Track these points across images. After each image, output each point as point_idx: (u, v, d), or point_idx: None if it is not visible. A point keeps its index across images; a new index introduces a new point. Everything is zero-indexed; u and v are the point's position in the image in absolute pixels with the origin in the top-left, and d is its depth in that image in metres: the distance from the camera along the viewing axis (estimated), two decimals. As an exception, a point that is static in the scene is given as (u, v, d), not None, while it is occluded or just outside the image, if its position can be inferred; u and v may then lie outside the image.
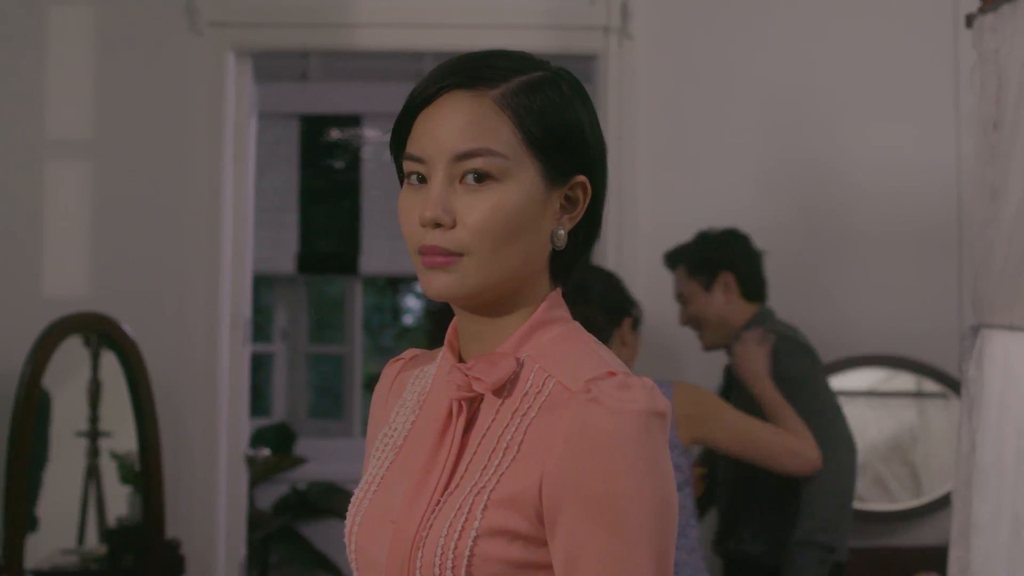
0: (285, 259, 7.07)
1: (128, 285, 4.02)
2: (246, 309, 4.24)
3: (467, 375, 1.28)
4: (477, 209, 1.25)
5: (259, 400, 7.31)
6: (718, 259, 3.36)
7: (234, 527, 4.18)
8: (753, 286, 3.39)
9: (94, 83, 4.09)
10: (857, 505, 4.10)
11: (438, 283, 1.26)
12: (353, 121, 7.09)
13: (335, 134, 7.10)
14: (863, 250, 4.19)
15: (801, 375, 3.27)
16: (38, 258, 4.06)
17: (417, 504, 1.25)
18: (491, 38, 3.80)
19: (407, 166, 1.29)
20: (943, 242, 4.18)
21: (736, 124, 4.19)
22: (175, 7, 4.08)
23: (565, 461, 1.20)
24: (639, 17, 4.16)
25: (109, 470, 3.85)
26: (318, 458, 6.77)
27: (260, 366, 7.40)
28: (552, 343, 1.30)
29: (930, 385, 4.19)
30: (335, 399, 7.71)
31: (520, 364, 1.29)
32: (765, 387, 3.13)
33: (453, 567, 1.20)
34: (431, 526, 1.23)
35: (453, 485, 1.26)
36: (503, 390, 1.28)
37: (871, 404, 4.22)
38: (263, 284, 7.34)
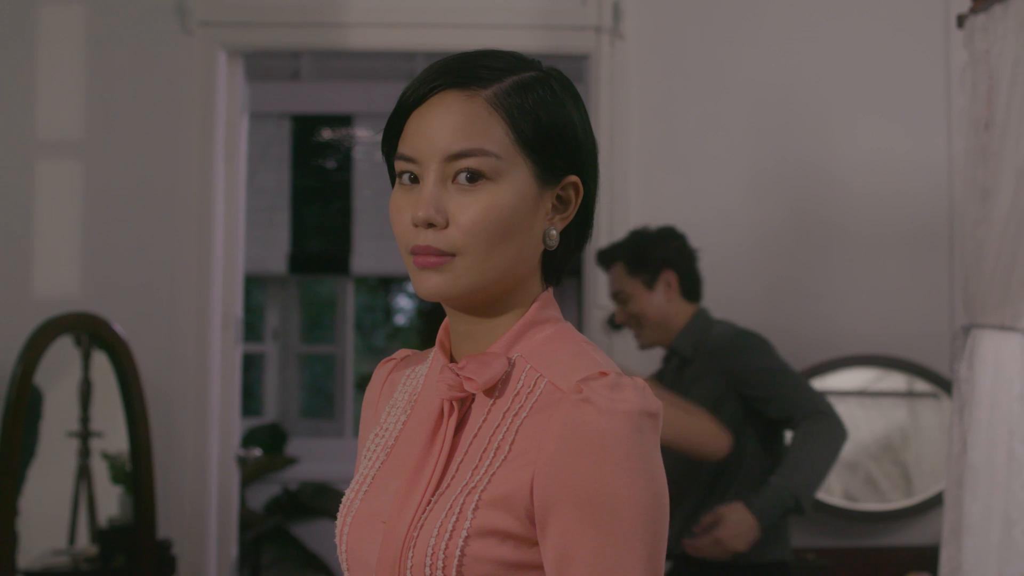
0: (276, 259, 7.06)
1: (119, 285, 4.02)
2: (237, 309, 4.23)
3: (458, 375, 1.28)
4: (470, 209, 1.25)
5: (250, 400, 7.30)
6: (660, 257, 3.35)
7: (225, 527, 4.17)
8: (692, 285, 3.39)
9: (85, 83, 4.09)
10: (848, 505, 4.11)
11: (430, 283, 1.26)
12: (345, 121, 7.09)
13: (327, 134, 7.09)
14: (854, 250, 4.19)
15: (782, 364, 3.28)
16: (29, 258, 4.05)
17: (408, 504, 1.25)
18: (483, 38, 3.80)
19: (399, 166, 1.29)
20: (934, 242, 4.19)
21: (727, 124, 4.20)
22: (166, 6, 4.08)
23: (556, 461, 1.20)
24: (631, 17, 4.16)
25: (100, 470, 3.84)
26: (309, 458, 6.77)
27: (251, 366, 7.39)
28: (544, 343, 1.30)
29: (921, 385, 4.20)
30: (327, 399, 7.71)
31: (511, 364, 1.29)
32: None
33: (444, 567, 1.20)
34: (422, 526, 1.23)
35: (444, 485, 1.25)
36: (494, 390, 1.28)
37: (862, 404, 4.23)
38: (254, 284, 7.34)
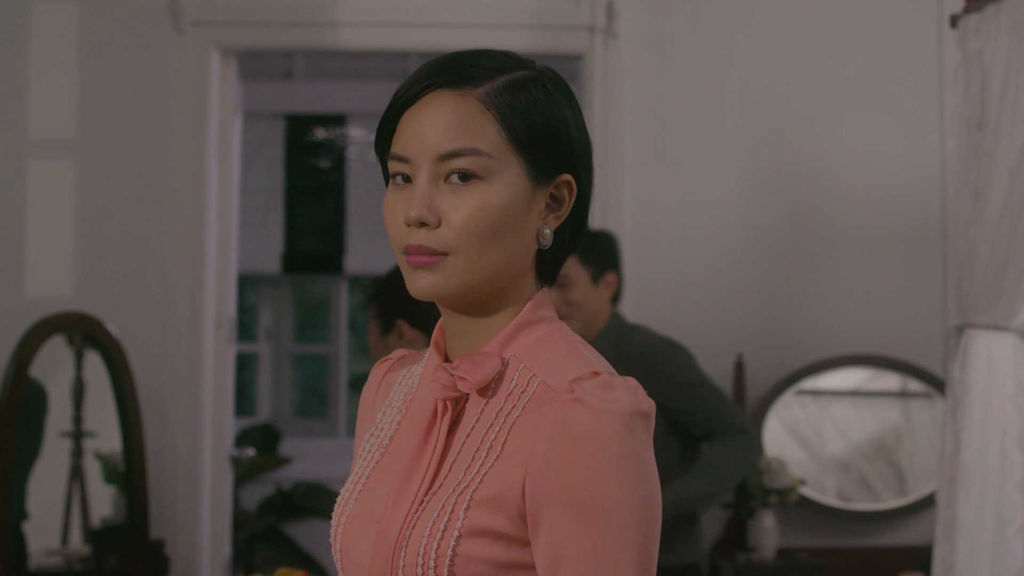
0: (270, 258, 7.06)
1: (112, 284, 4.01)
2: (231, 309, 4.23)
3: (452, 374, 1.28)
4: (462, 208, 1.25)
5: (244, 400, 7.30)
6: (610, 257, 3.37)
7: (219, 527, 4.17)
8: (620, 292, 3.41)
9: (78, 82, 4.08)
10: (842, 504, 4.11)
11: (423, 282, 1.26)
12: (338, 120, 7.08)
13: (320, 133, 7.09)
14: (848, 250, 4.20)
15: (705, 378, 3.30)
16: (22, 257, 4.04)
17: (401, 504, 1.25)
18: (476, 38, 3.80)
19: (392, 166, 1.29)
20: (927, 242, 4.19)
21: (720, 124, 4.20)
22: (159, 6, 4.07)
23: (548, 461, 1.19)
24: (624, 17, 4.16)
25: (93, 470, 3.84)
26: (303, 458, 6.77)
27: (245, 366, 7.39)
28: (537, 343, 1.30)
29: (915, 385, 4.21)
30: (320, 399, 7.70)
31: (505, 364, 1.28)
32: None
33: (435, 567, 1.20)
34: (414, 526, 1.23)
35: (437, 485, 1.25)
36: (488, 390, 1.28)
37: (856, 404, 4.23)
38: (248, 284, 7.33)
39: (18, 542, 3.62)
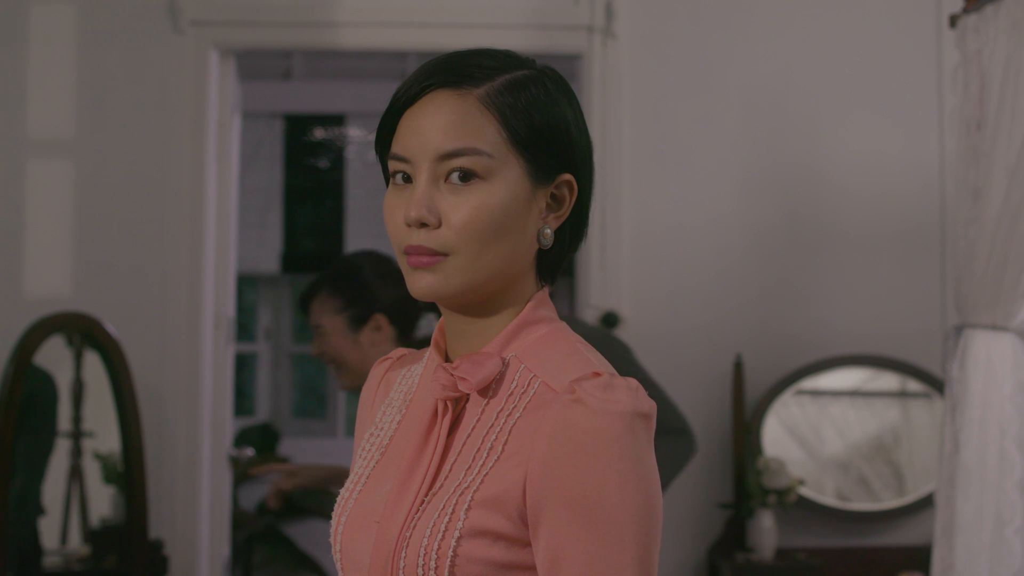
0: (269, 258, 7.06)
1: (111, 284, 4.01)
2: (229, 308, 4.23)
3: (452, 375, 1.27)
4: (462, 208, 1.24)
5: (243, 400, 7.30)
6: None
7: (217, 527, 4.17)
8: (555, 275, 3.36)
9: (76, 82, 4.08)
10: (840, 504, 4.11)
11: (423, 283, 1.26)
12: (337, 120, 7.08)
13: (319, 133, 7.08)
14: (847, 250, 4.20)
15: (645, 373, 3.23)
16: (20, 257, 4.04)
17: (401, 504, 1.25)
18: (475, 38, 3.80)
19: (392, 166, 1.29)
20: (926, 242, 4.20)
21: (720, 124, 4.20)
22: (157, 6, 4.07)
23: (549, 461, 1.19)
24: (623, 17, 4.16)
25: (92, 470, 3.84)
26: (302, 458, 6.76)
27: (244, 366, 7.38)
28: (538, 343, 1.30)
29: (914, 385, 4.21)
30: (319, 399, 7.70)
31: (506, 364, 1.28)
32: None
33: (436, 568, 1.20)
34: (414, 526, 1.23)
35: (437, 485, 1.25)
36: (488, 390, 1.28)
37: (855, 404, 4.23)
38: (246, 283, 7.33)
39: (34, 539, 3.64)
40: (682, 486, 4.07)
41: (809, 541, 4.12)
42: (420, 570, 1.21)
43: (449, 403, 1.29)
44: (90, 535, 3.81)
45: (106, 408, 3.75)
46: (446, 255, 1.25)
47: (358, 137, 7.04)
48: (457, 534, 1.20)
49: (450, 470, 1.26)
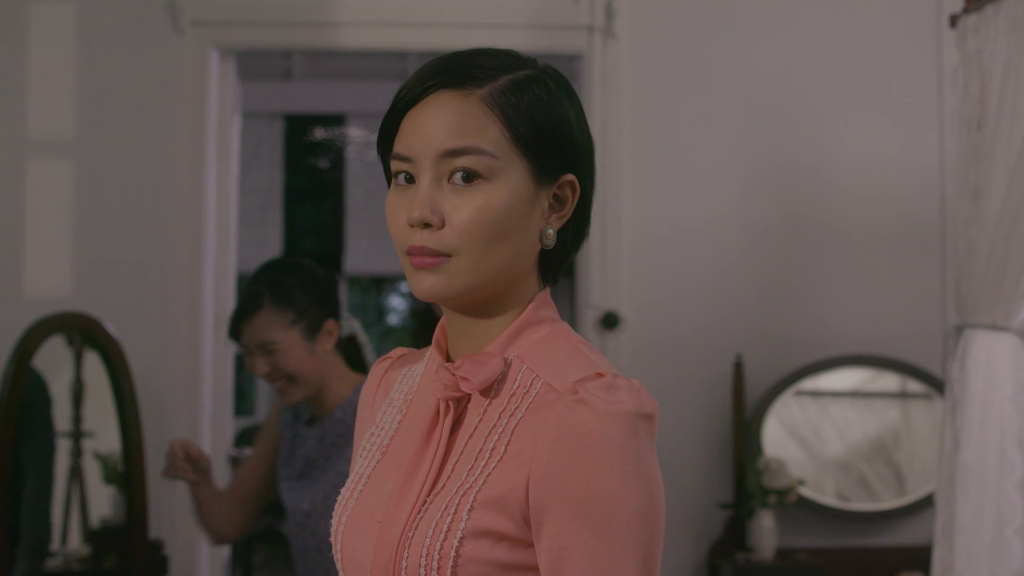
0: (269, 258, 7.05)
1: (111, 284, 4.01)
2: (229, 308, 4.22)
3: (454, 375, 1.27)
4: (465, 209, 1.24)
5: (242, 400, 7.29)
6: None
7: (217, 527, 4.16)
8: None
9: (76, 82, 4.08)
10: (841, 505, 4.11)
11: (426, 283, 1.26)
12: (337, 120, 7.08)
13: (319, 133, 7.08)
14: (847, 250, 4.20)
15: None
16: (20, 257, 4.04)
17: (403, 504, 1.25)
18: (475, 37, 3.80)
19: (395, 166, 1.29)
20: (926, 242, 4.19)
21: (720, 124, 4.20)
22: (157, 5, 4.07)
23: (551, 462, 1.19)
24: (623, 17, 4.16)
25: (92, 470, 3.83)
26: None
27: (243, 366, 7.37)
28: (540, 343, 1.29)
29: (914, 385, 4.21)
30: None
31: (508, 364, 1.28)
32: None
33: (439, 568, 1.20)
34: (417, 527, 1.22)
35: (439, 486, 1.25)
36: (490, 390, 1.27)
37: (855, 404, 4.23)
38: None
39: (46, 541, 3.65)
40: (682, 486, 4.07)
41: (809, 541, 4.12)
42: (422, 570, 1.20)
43: (451, 403, 1.28)
44: (90, 535, 3.80)
45: (106, 408, 3.74)
46: (449, 256, 1.25)
47: (358, 137, 7.04)
48: (460, 534, 1.20)
49: (452, 470, 1.25)
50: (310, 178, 7.13)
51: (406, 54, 5.80)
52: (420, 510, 1.24)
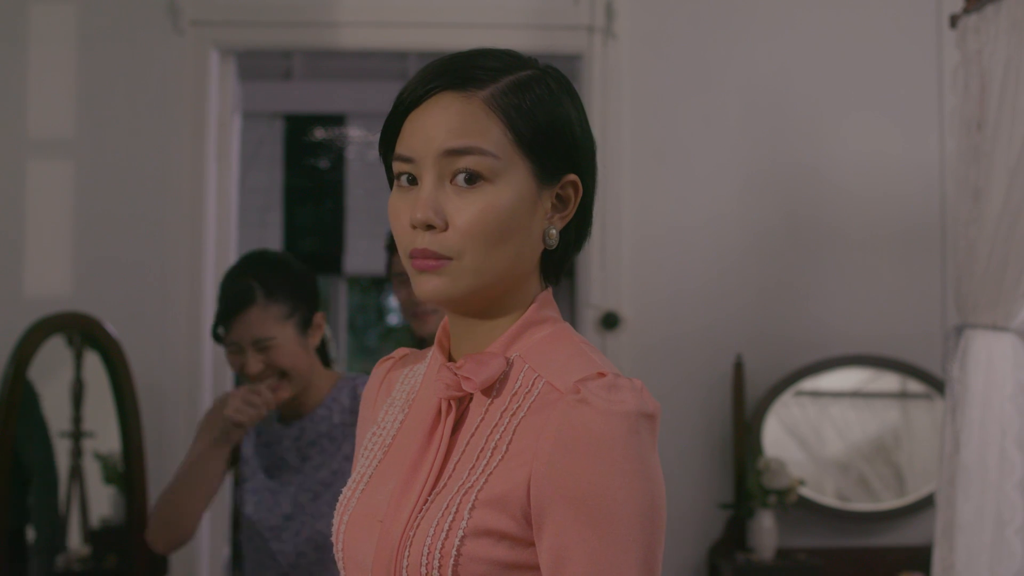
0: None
1: (111, 284, 4.01)
2: (229, 309, 4.22)
3: (456, 374, 1.27)
4: (468, 211, 1.24)
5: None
6: None
7: (218, 527, 4.17)
8: None
9: (76, 82, 4.08)
10: (841, 505, 4.11)
11: (430, 286, 1.26)
12: (337, 120, 7.08)
13: (319, 133, 7.08)
14: (847, 250, 4.20)
15: None
16: (20, 257, 4.04)
17: (404, 503, 1.25)
18: (475, 38, 3.80)
19: (397, 167, 1.29)
20: (926, 242, 4.19)
21: (720, 124, 4.20)
22: (157, 6, 4.07)
23: (553, 461, 1.19)
24: (623, 17, 4.16)
25: (92, 471, 3.83)
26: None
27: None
28: (542, 343, 1.30)
29: (914, 385, 4.21)
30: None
31: (510, 364, 1.28)
32: None
33: (440, 567, 1.20)
34: (418, 526, 1.23)
35: (441, 485, 1.25)
36: (492, 389, 1.28)
37: (855, 405, 4.23)
38: (246, 284, 7.30)
39: (53, 537, 3.66)
40: (682, 486, 4.07)
41: (809, 541, 4.12)
42: (423, 569, 1.20)
43: (453, 402, 1.28)
44: (90, 535, 3.81)
45: (106, 408, 3.74)
46: (451, 259, 1.25)
47: (358, 137, 7.04)
48: (461, 533, 1.20)
49: (453, 469, 1.26)
50: (310, 178, 7.12)
51: (406, 54, 5.79)
52: (421, 509, 1.24)
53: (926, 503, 4.05)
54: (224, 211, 4.21)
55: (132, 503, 3.68)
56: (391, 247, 3.27)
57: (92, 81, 4.08)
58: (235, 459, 2.64)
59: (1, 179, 4.05)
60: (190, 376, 4.05)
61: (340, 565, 1.33)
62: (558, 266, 1.35)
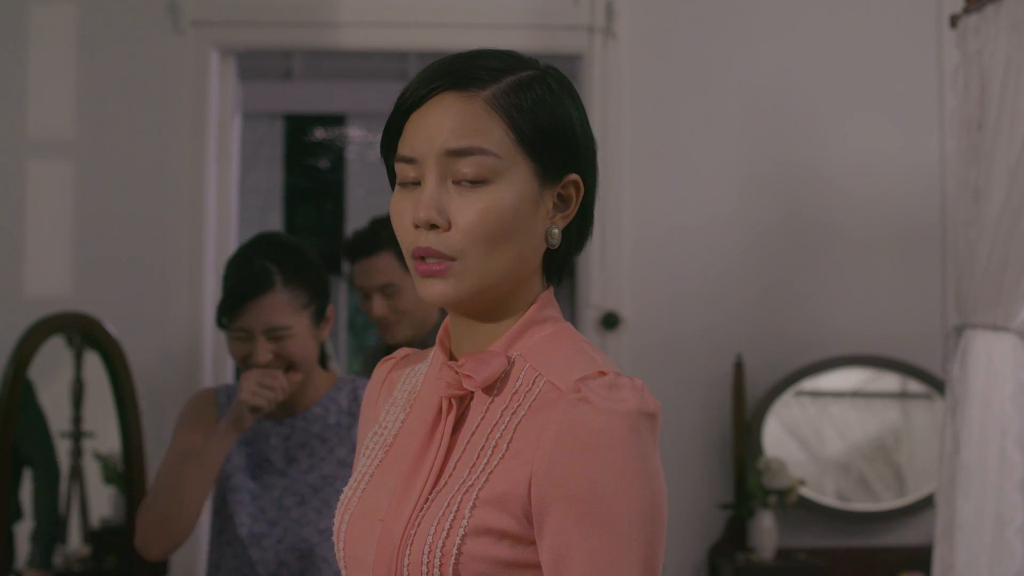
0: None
1: (111, 284, 4.01)
2: (230, 309, 4.22)
3: (457, 372, 1.28)
4: (471, 211, 1.24)
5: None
6: None
7: (218, 527, 4.16)
8: None
9: (76, 82, 4.08)
10: (841, 505, 4.11)
11: (435, 290, 1.26)
12: (337, 120, 7.07)
13: (319, 134, 7.08)
14: (847, 250, 4.20)
15: None
16: (20, 257, 4.04)
17: (405, 502, 1.25)
18: (475, 38, 3.80)
19: (399, 168, 1.29)
20: (926, 242, 4.19)
21: (720, 124, 4.20)
22: (158, 6, 4.07)
23: (554, 461, 1.19)
24: (623, 17, 4.16)
25: (92, 471, 3.83)
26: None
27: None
28: (543, 342, 1.30)
29: (914, 385, 4.21)
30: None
31: (511, 362, 1.28)
32: None
33: (440, 565, 1.20)
34: (419, 524, 1.23)
35: (441, 483, 1.25)
36: (493, 388, 1.28)
37: (855, 405, 4.23)
38: (247, 284, 7.30)
39: (54, 529, 3.67)
40: (683, 486, 4.07)
41: (810, 541, 4.12)
42: (424, 568, 1.21)
43: (454, 401, 1.29)
44: (90, 535, 3.80)
45: (106, 408, 3.74)
46: (454, 259, 1.25)
47: (359, 137, 7.03)
48: (462, 532, 1.20)
49: (454, 468, 1.26)
50: (310, 178, 7.12)
51: (406, 54, 5.79)
52: (422, 508, 1.24)
53: (926, 503, 4.05)
54: (224, 211, 4.21)
55: (132, 503, 3.68)
56: (351, 253, 3.23)
57: (92, 81, 4.08)
58: None
59: (1, 179, 4.05)
60: (190, 376, 4.05)
61: (341, 564, 1.33)
62: (560, 266, 1.35)
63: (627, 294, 4.13)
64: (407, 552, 1.22)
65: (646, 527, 1.19)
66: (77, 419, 3.80)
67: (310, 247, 2.47)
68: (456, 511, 1.21)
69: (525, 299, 1.31)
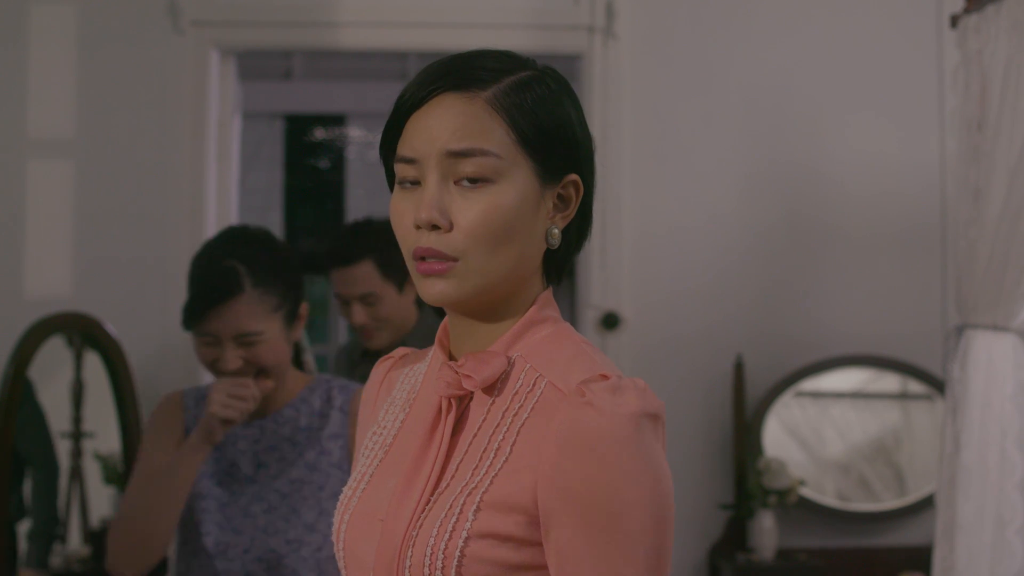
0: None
1: (111, 284, 4.01)
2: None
3: (457, 372, 1.27)
4: (471, 211, 1.24)
5: (242, 400, 7.27)
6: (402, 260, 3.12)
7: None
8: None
9: (76, 82, 4.08)
10: (841, 505, 4.11)
11: (436, 290, 1.26)
12: (337, 121, 7.08)
13: (319, 134, 7.09)
14: (847, 250, 4.20)
15: None
16: (20, 257, 4.04)
17: (406, 503, 1.25)
18: (475, 38, 3.79)
19: (399, 169, 1.29)
20: (927, 242, 4.19)
21: (720, 124, 4.20)
22: (158, 6, 4.07)
23: (558, 465, 1.19)
24: (624, 17, 4.16)
25: (92, 471, 3.83)
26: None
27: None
28: (543, 342, 1.29)
29: (915, 386, 4.20)
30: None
31: (511, 363, 1.28)
32: None
33: (443, 567, 1.20)
34: (421, 525, 1.22)
35: (443, 485, 1.25)
36: (493, 388, 1.27)
37: (855, 405, 4.23)
38: (246, 284, 7.31)
39: (52, 526, 3.67)
40: (683, 486, 4.07)
41: (810, 542, 4.11)
42: (427, 569, 1.20)
43: (453, 401, 1.28)
44: (90, 535, 3.80)
45: (106, 408, 3.74)
46: (456, 260, 1.25)
47: (358, 137, 7.04)
48: (465, 535, 1.20)
49: (456, 469, 1.25)
50: (310, 178, 7.13)
51: (406, 54, 5.80)
52: (424, 509, 1.24)
53: (926, 503, 4.05)
54: (224, 211, 4.21)
55: (132, 503, 3.68)
56: (330, 261, 3.23)
57: (92, 81, 4.08)
58: None
59: (1, 179, 4.05)
60: (190, 376, 4.04)
61: (341, 564, 1.33)
62: (560, 266, 1.35)
63: (627, 294, 4.13)
64: (409, 553, 1.22)
65: (654, 529, 1.18)
66: (77, 419, 3.80)
67: (282, 241, 2.35)
68: (459, 513, 1.21)
69: (525, 299, 1.31)
